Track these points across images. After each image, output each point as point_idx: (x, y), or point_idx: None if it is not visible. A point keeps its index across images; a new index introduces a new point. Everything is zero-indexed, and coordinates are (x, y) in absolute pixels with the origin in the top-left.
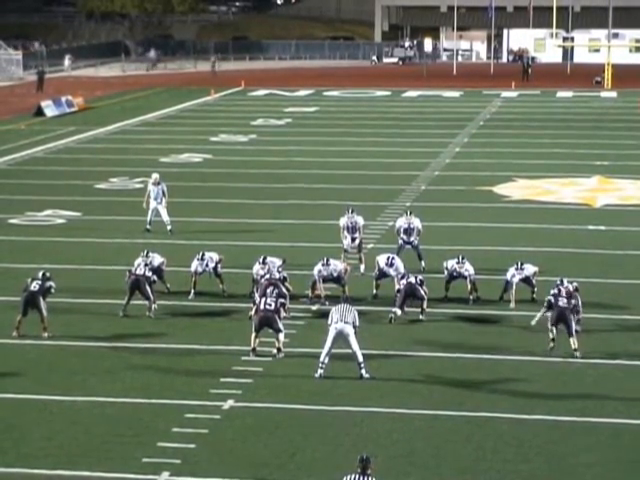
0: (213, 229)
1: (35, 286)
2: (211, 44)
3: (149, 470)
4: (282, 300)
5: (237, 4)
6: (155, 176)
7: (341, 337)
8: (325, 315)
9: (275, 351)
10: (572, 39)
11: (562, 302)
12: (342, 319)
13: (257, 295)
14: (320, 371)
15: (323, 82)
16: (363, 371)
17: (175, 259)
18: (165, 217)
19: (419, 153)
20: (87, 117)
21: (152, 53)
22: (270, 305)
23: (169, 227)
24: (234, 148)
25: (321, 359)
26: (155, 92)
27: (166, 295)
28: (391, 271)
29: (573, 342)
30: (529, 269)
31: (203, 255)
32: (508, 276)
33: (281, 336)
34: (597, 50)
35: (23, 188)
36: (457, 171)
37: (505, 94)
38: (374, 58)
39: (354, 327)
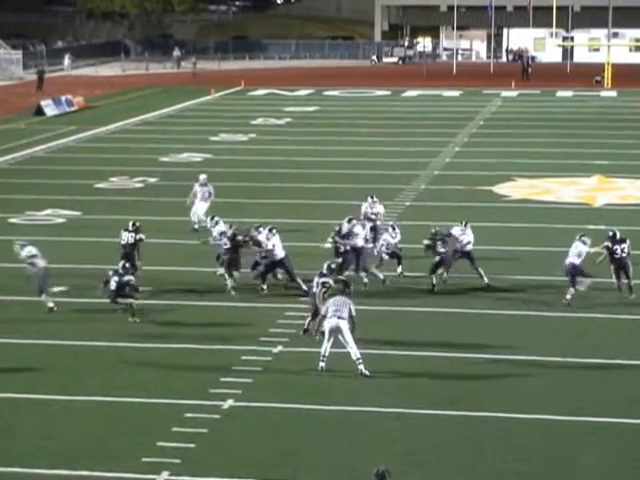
0: None
1: (113, 284)
2: (211, 43)
3: (148, 469)
4: (325, 280)
5: (237, 3)
6: (203, 177)
7: (335, 332)
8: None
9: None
10: (572, 38)
11: (440, 248)
12: (336, 314)
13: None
14: (322, 364)
15: (323, 82)
16: (362, 367)
17: (174, 258)
18: (201, 215)
19: (419, 153)
20: (87, 116)
21: (176, 52)
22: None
23: (196, 226)
24: (234, 147)
25: (322, 352)
26: (155, 92)
27: (166, 295)
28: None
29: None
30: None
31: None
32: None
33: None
34: (597, 49)
35: (23, 187)
36: (457, 171)
37: (505, 94)
38: (374, 58)
39: (351, 318)
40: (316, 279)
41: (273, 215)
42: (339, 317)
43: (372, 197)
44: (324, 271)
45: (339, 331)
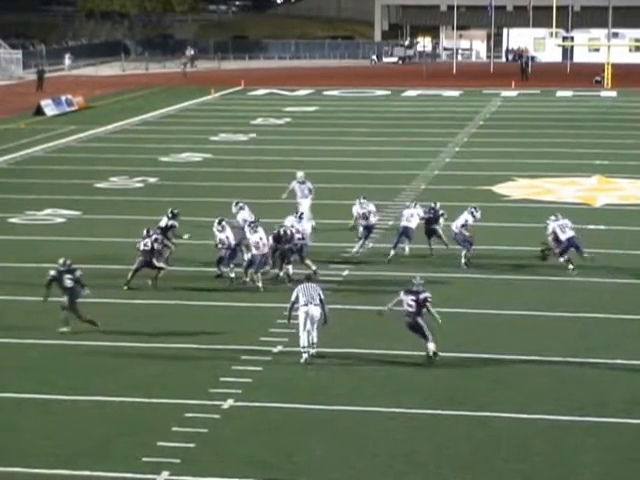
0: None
1: (68, 282)
2: (211, 43)
3: (149, 469)
4: (426, 295)
5: (237, 3)
6: (300, 174)
7: (310, 319)
8: (329, 316)
9: (434, 358)
10: (572, 38)
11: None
12: (310, 301)
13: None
14: (305, 356)
15: (323, 81)
16: (309, 354)
17: (173, 258)
18: (308, 214)
19: (419, 152)
20: (87, 116)
21: (188, 51)
22: (410, 306)
23: (313, 222)
24: (234, 147)
25: (301, 344)
26: (155, 91)
27: (167, 295)
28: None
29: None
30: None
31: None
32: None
33: (430, 345)
34: (597, 49)
35: (23, 187)
36: (457, 170)
37: (505, 93)
38: (374, 57)
39: (322, 303)
40: (403, 296)
41: (273, 215)
42: (314, 304)
43: (362, 197)
44: (413, 288)
45: (312, 317)
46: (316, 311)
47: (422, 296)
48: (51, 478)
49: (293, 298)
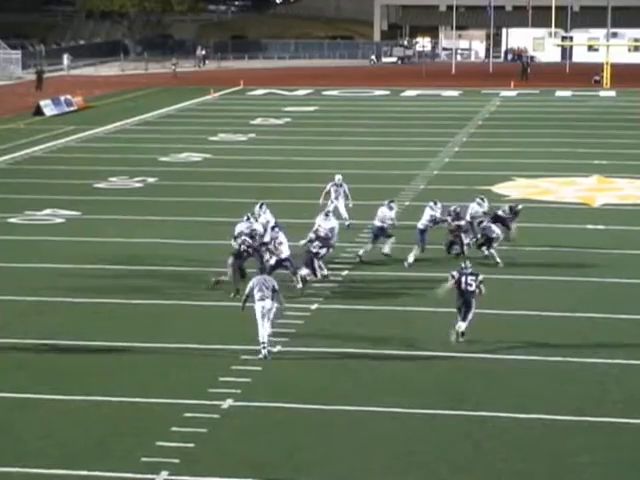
0: (212, 229)
1: None
2: (210, 43)
3: (148, 469)
4: (482, 277)
5: (236, 3)
6: (338, 177)
7: (265, 313)
8: (329, 316)
9: (460, 337)
10: (571, 38)
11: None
12: (265, 296)
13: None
14: (264, 351)
15: (322, 81)
16: (265, 351)
17: (173, 258)
18: (344, 214)
19: (418, 152)
20: (86, 116)
21: (199, 50)
22: (470, 285)
23: (347, 223)
24: (233, 147)
25: (260, 339)
26: (154, 91)
27: (166, 294)
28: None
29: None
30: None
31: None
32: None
33: (463, 325)
34: (596, 49)
35: (22, 187)
36: (456, 170)
37: (504, 93)
38: (373, 57)
39: (276, 292)
40: (458, 276)
41: (272, 215)
42: (269, 299)
43: (391, 201)
44: (468, 270)
45: (267, 312)
46: (269, 304)
47: (480, 277)
48: (49, 478)
49: (247, 291)
